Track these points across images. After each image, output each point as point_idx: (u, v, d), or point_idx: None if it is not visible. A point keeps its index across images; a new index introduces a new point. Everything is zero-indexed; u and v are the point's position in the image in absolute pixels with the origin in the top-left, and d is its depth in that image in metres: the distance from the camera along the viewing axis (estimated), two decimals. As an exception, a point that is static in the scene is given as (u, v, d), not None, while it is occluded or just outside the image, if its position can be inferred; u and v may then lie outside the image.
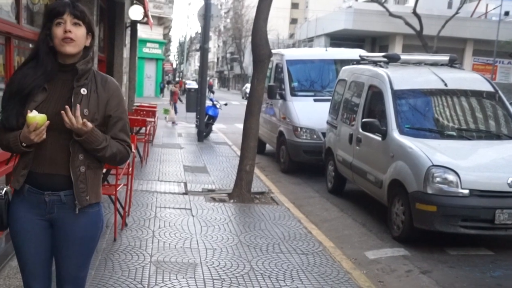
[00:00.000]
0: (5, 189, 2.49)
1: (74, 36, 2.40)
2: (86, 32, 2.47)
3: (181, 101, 20.83)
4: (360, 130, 7.36)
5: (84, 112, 2.43)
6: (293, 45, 43.66)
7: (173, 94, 20.48)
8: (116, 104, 2.56)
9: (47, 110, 2.37)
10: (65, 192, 2.48)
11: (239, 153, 9.53)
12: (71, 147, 2.44)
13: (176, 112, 19.25)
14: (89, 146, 2.43)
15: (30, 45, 4.83)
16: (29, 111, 2.32)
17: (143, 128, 10.91)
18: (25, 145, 2.37)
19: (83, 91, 2.46)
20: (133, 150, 6.66)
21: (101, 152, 2.48)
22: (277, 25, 40.77)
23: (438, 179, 5.73)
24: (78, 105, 2.39)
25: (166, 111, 18.47)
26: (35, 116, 2.28)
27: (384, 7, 24.67)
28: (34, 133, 2.30)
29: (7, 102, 2.44)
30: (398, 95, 6.89)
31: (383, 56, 7.88)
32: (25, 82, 2.41)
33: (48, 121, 2.32)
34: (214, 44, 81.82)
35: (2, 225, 2.50)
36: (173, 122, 18.38)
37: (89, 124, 2.38)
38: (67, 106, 2.35)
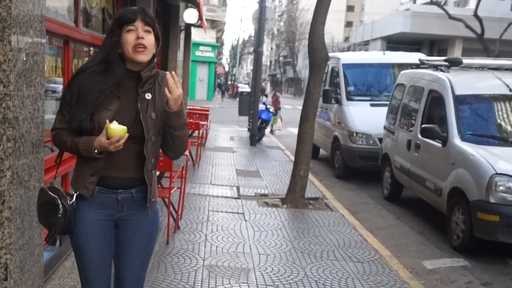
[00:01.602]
0: (75, 195, 2.47)
1: (146, 42, 2.40)
2: (154, 39, 2.47)
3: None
4: (419, 136, 7.19)
5: (151, 116, 2.45)
6: (348, 49, 43.19)
7: (277, 100, 19.02)
8: None
9: (121, 120, 2.36)
10: (136, 189, 2.52)
11: (292, 157, 9.44)
12: (146, 152, 2.46)
13: (281, 120, 18.09)
14: (178, 121, 2.43)
15: (85, 48, 4.90)
16: (108, 121, 2.31)
17: (196, 132, 10.96)
18: (97, 152, 2.37)
19: (148, 95, 2.47)
20: (186, 153, 6.66)
21: (185, 129, 2.49)
22: (332, 28, 40.35)
23: (501, 187, 5.52)
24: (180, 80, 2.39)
25: (275, 120, 17.28)
26: (116, 129, 2.29)
27: (444, 9, 23.91)
28: (113, 145, 2.31)
29: (76, 105, 2.42)
30: (459, 100, 6.69)
31: (444, 60, 7.68)
32: (96, 88, 2.40)
33: (128, 134, 2.32)
34: (267, 47, 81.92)
35: (69, 231, 2.48)
36: (272, 131, 17.50)
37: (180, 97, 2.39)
38: (173, 72, 2.36)
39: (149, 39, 2.43)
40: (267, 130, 15.57)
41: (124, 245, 2.58)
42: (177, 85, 2.36)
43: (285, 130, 18.76)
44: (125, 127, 2.31)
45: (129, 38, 2.40)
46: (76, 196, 2.47)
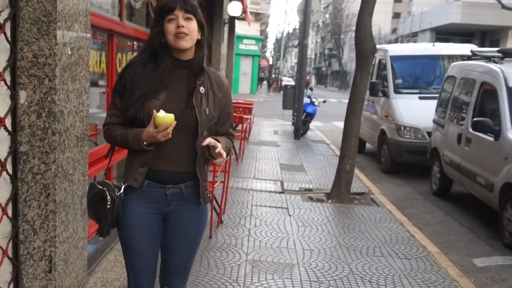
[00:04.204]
0: (123, 187, 2.50)
1: (187, 30, 2.39)
2: (197, 26, 2.46)
3: None
4: (470, 130, 6.97)
5: (206, 112, 2.46)
6: (396, 40, 42.43)
7: None
8: (227, 102, 2.61)
9: (170, 109, 2.37)
10: (186, 184, 2.52)
11: (337, 151, 9.33)
12: (198, 147, 2.46)
13: None
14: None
15: (129, 42, 4.92)
16: (155, 111, 2.32)
17: (240, 125, 10.95)
18: (147, 143, 2.37)
19: (202, 89, 2.48)
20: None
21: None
22: (379, 20, 39.63)
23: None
24: (219, 147, 2.41)
25: None
26: (164, 117, 2.28)
27: (497, -1, 23.15)
28: (161, 133, 2.30)
29: (128, 97, 2.44)
30: (514, 92, 6.45)
31: (497, 51, 7.43)
32: (146, 79, 2.42)
33: (176, 121, 2.31)
34: (312, 40, 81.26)
35: (117, 223, 2.52)
36: None
37: (220, 145, 2.42)
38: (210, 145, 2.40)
39: (191, 26, 2.42)
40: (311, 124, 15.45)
41: (172, 238, 2.61)
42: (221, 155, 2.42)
43: (330, 124, 18.59)
44: (172, 115, 2.30)
45: (170, 28, 2.40)
46: (125, 188, 2.50)
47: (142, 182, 2.48)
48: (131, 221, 2.51)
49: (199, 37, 2.49)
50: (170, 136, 2.34)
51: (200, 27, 2.48)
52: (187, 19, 2.41)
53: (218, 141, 2.42)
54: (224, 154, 2.42)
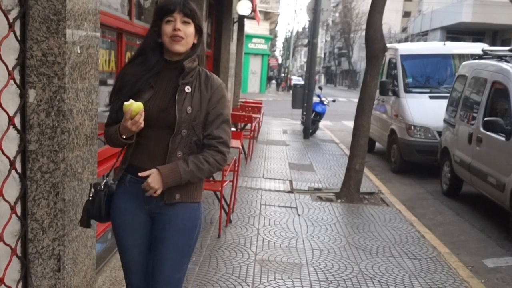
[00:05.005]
0: (104, 181, 2.52)
1: (183, 34, 2.39)
2: (195, 30, 2.45)
3: None
4: (481, 129, 6.90)
5: (187, 110, 2.41)
6: (406, 39, 42.22)
7: None
8: (216, 101, 2.49)
9: (152, 107, 2.37)
10: None
11: (346, 151, 9.27)
12: (171, 143, 2.41)
13: None
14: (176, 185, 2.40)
15: (138, 41, 4.92)
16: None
17: (249, 124, 10.93)
18: (124, 137, 2.37)
19: (187, 89, 2.45)
20: (239, 146, 6.62)
21: (193, 180, 2.43)
22: (389, 19, 39.40)
23: None
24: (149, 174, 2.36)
25: None
26: (130, 104, 2.26)
27: (507, -3, 22.96)
28: (130, 122, 2.28)
29: (116, 96, 2.47)
30: (525, 92, 6.36)
31: (509, 50, 7.34)
32: (133, 79, 2.43)
33: (143, 110, 2.29)
34: (321, 39, 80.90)
35: (100, 217, 2.53)
36: None
37: (155, 180, 2.33)
38: (147, 181, 2.33)
39: (187, 30, 2.42)
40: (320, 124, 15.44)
41: (156, 240, 2.51)
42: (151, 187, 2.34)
43: (339, 123, 18.53)
44: (140, 103, 2.28)
45: (167, 29, 2.40)
46: (114, 184, 2.54)
47: (125, 176, 2.48)
48: (117, 216, 2.53)
49: (195, 42, 2.48)
50: (142, 126, 2.31)
51: (198, 32, 2.48)
52: (185, 22, 2.41)
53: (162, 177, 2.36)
54: (152, 191, 2.34)
